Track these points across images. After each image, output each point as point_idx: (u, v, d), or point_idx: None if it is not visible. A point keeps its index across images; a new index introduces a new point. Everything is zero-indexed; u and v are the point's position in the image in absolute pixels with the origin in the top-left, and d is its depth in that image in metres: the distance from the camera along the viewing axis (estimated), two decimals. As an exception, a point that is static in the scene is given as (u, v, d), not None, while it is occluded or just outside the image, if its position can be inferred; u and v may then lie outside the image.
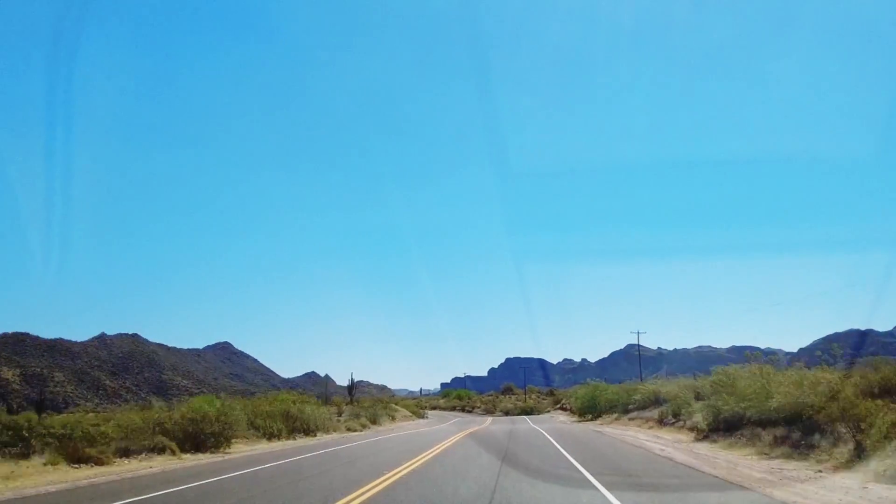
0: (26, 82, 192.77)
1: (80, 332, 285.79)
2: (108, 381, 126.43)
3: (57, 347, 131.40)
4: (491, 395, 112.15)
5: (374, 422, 51.49)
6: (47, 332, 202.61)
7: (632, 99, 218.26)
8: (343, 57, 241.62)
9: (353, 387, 75.30)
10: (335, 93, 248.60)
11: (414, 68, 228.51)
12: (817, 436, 17.05)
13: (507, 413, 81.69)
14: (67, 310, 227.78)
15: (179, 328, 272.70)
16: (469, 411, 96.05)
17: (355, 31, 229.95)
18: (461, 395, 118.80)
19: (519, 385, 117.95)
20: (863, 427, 14.94)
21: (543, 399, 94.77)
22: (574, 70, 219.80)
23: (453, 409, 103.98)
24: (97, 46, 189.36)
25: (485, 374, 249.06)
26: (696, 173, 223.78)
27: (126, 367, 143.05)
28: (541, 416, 71.46)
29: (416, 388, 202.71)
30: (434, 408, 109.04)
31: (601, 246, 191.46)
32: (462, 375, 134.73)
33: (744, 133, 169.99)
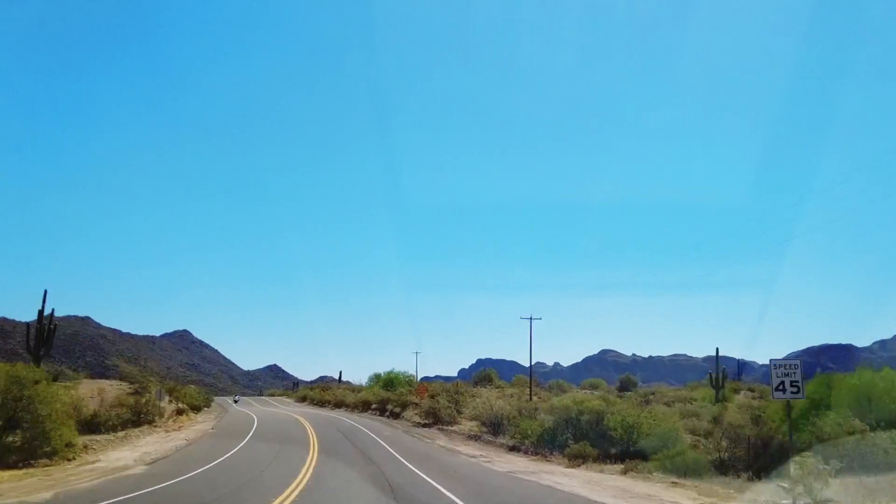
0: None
1: (28, 312, 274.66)
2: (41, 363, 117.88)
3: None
4: (453, 386, 61.03)
5: None
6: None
7: (517, 141, 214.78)
8: (249, 91, 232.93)
9: (44, 325, 29.80)
10: (238, 124, 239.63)
11: (316, 104, 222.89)
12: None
13: (492, 426, 34.22)
14: (17, 290, 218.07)
15: (139, 314, 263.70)
16: (394, 415, 53.10)
17: (263, 68, 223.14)
18: (393, 379, 73.84)
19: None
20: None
21: (548, 396, 51.80)
22: (465, 114, 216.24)
23: (367, 407, 62.55)
24: None
25: (455, 374, 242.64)
26: (583, 215, 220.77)
27: (66, 349, 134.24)
28: None
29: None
30: (339, 405, 70.34)
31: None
32: (430, 374, 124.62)
33: (624, 179, 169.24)
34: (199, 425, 42.73)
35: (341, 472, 20.67)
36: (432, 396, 51.01)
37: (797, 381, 16.52)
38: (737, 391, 55.31)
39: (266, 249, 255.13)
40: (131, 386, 42.73)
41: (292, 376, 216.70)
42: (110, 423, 31.22)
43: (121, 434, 30.88)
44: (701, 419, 30.52)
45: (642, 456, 22.03)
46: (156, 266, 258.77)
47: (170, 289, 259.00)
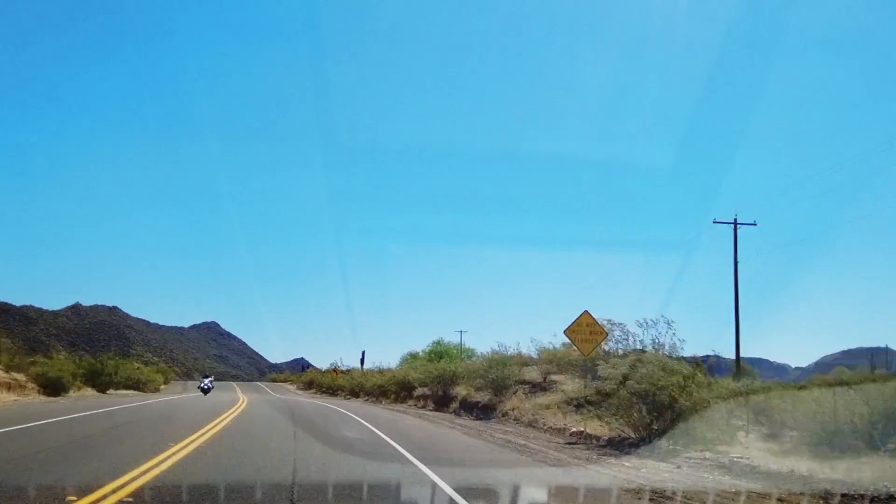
0: None
1: (55, 300, 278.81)
2: (62, 351, 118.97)
3: (11, 311, 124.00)
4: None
5: None
6: (20, 298, 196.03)
7: (456, 87, 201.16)
8: (170, 19, 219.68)
9: None
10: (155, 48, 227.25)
11: (242, 27, 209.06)
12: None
13: None
14: (44, 278, 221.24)
15: (168, 306, 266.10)
16: (482, 409, 27.03)
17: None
18: (443, 353, 51.93)
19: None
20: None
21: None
22: (408, 53, 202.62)
23: (405, 394, 39.35)
24: None
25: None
26: (503, 165, 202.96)
27: (91, 338, 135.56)
28: None
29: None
30: (356, 394, 50.71)
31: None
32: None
33: (557, 131, 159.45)
34: None
35: None
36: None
37: None
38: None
39: (293, 245, 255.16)
40: None
41: (319, 370, 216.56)
42: None
43: None
44: None
45: None
46: (185, 258, 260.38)
47: (199, 280, 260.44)
